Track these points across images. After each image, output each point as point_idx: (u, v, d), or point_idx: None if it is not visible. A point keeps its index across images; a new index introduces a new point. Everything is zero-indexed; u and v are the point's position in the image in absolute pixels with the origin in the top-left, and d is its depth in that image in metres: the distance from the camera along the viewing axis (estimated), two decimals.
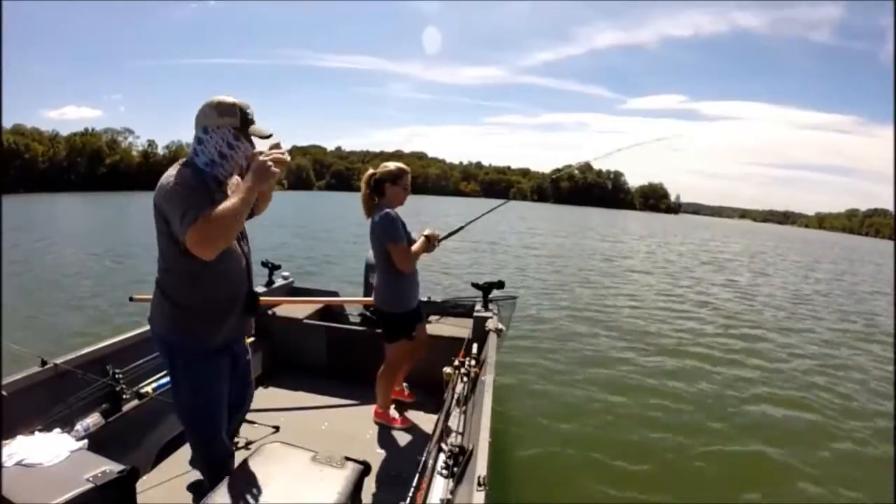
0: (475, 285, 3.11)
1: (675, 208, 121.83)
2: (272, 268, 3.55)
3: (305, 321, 3.13)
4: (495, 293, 3.14)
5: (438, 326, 3.15)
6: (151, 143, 67.76)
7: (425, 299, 3.38)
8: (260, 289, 3.40)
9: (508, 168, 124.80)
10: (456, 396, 2.23)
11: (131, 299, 2.84)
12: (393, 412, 2.60)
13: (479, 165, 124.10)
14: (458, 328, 3.03)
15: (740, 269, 13.56)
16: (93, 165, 58.67)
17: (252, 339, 3.08)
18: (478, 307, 3.02)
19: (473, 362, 2.46)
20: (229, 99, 1.46)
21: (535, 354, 4.70)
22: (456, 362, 2.43)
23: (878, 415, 3.78)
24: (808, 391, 4.24)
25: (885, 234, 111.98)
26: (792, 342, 5.92)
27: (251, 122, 1.49)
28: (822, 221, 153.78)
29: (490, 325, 2.72)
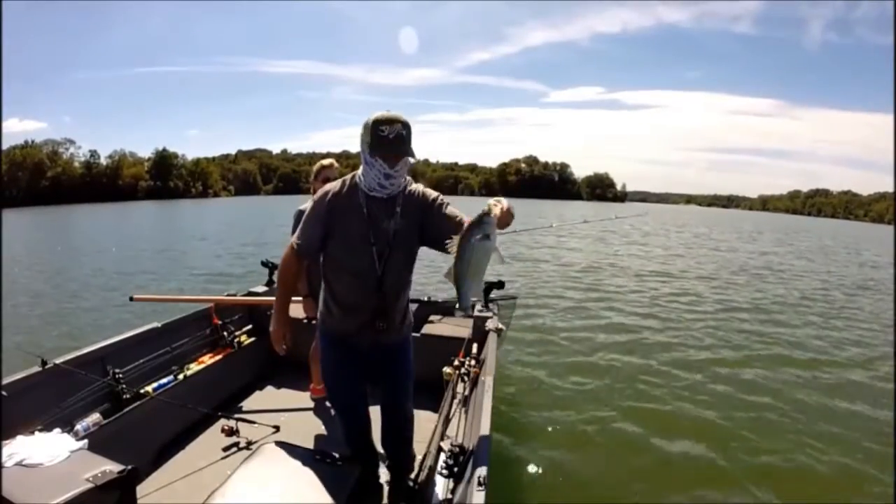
0: None
1: (622, 197, 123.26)
2: (272, 268, 3.54)
3: (306, 321, 3.13)
4: (495, 293, 3.14)
5: (438, 326, 3.15)
6: (94, 154, 64.87)
7: (425, 299, 3.38)
8: (260, 289, 3.40)
9: (456, 164, 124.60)
10: (456, 396, 2.23)
11: (131, 299, 2.84)
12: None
13: (426, 163, 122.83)
14: (458, 328, 3.03)
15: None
16: (34, 179, 54.79)
17: (253, 339, 3.10)
18: (478, 307, 3.02)
19: (473, 362, 2.46)
20: (376, 115, 1.48)
21: (536, 354, 4.69)
22: (456, 362, 2.43)
23: None
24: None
25: (827, 212, 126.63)
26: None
27: (380, 140, 1.46)
28: (765, 203, 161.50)
29: (490, 324, 2.72)
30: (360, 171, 1.57)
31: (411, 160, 1.52)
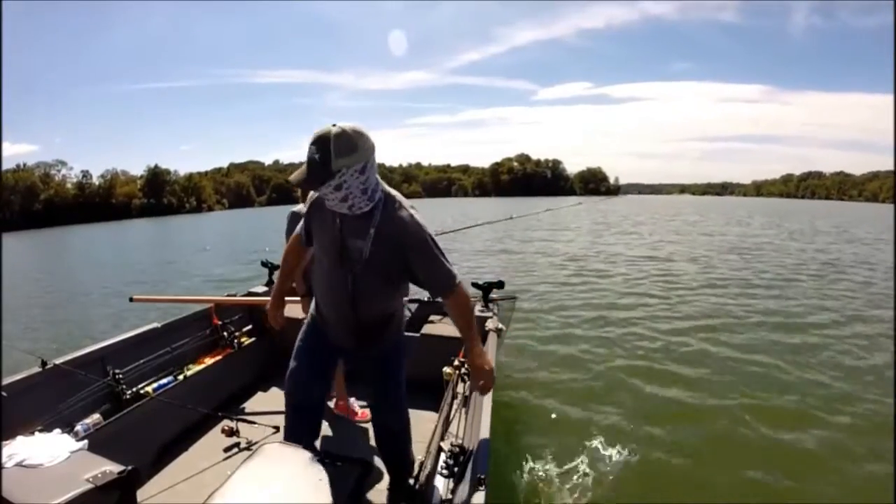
0: (475, 285, 3.10)
1: (615, 190, 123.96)
2: (272, 268, 3.55)
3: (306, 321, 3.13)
4: (495, 293, 3.14)
5: (438, 326, 3.15)
6: (86, 174, 65.87)
7: (425, 299, 3.38)
8: (260, 289, 3.40)
9: (448, 166, 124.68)
10: (456, 396, 2.23)
11: (131, 300, 2.85)
12: (354, 405, 2.64)
13: (418, 166, 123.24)
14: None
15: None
16: (27, 202, 55.52)
17: (253, 339, 3.10)
18: (478, 307, 3.02)
19: None
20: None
21: (535, 354, 4.69)
22: (456, 362, 2.43)
23: None
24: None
25: (821, 194, 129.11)
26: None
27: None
28: (759, 189, 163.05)
29: (490, 325, 2.72)
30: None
31: (338, 183, 1.33)
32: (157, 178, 69.61)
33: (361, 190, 1.38)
